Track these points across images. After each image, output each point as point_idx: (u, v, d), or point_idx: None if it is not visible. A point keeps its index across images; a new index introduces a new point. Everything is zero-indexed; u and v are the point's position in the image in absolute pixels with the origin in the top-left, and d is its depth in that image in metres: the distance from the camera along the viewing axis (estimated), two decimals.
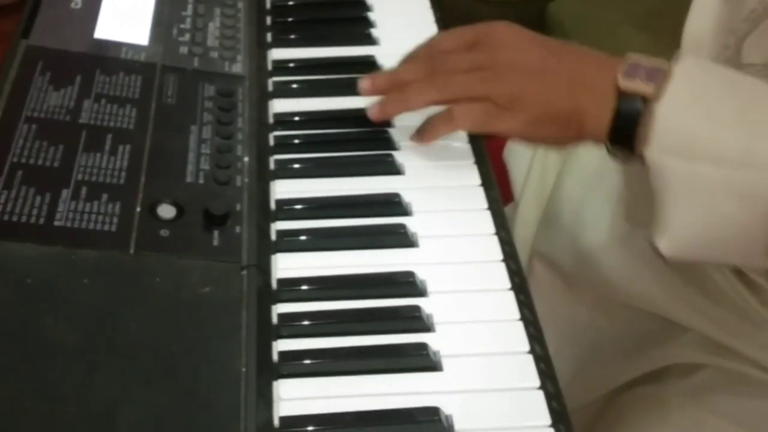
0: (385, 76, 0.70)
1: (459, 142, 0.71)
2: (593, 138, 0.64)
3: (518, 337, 0.56)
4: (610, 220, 0.77)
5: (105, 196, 0.61)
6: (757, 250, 0.61)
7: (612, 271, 0.74)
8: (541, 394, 0.53)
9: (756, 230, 0.60)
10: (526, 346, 0.56)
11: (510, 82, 0.65)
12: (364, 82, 0.69)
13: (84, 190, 0.61)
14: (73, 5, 0.76)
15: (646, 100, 0.61)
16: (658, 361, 0.74)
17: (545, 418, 0.52)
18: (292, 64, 0.78)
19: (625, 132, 0.62)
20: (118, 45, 0.73)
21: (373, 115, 0.69)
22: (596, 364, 0.77)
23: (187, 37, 0.76)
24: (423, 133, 0.69)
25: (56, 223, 0.58)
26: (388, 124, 0.73)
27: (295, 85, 0.76)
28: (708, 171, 0.59)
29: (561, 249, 0.78)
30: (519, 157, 0.87)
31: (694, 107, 0.60)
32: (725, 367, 0.71)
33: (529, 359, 0.55)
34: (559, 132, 0.65)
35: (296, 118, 0.73)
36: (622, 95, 0.62)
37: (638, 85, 0.62)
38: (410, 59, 0.69)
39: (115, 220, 0.59)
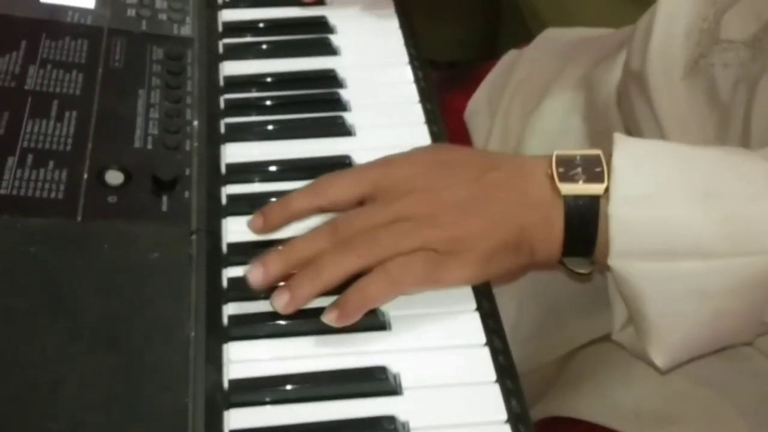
0: (278, 256, 0.55)
1: (409, 103, 0.71)
2: (546, 256, 0.55)
3: (466, 295, 0.57)
4: None
5: (51, 163, 0.60)
6: (754, 327, 0.55)
7: None
8: (487, 350, 0.54)
9: (756, 313, 0.53)
10: (473, 304, 0.56)
11: (443, 223, 0.54)
12: (252, 272, 0.55)
13: (30, 158, 0.60)
14: None
15: (594, 201, 0.52)
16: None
17: (491, 374, 0.53)
18: (243, 26, 0.78)
19: (580, 242, 0.53)
20: (64, 9, 0.72)
21: (280, 306, 0.54)
22: (558, 323, 0.77)
23: None
24: (346, 305, 0.53)
25: (2, 191, 0.58)
26: (339, 85, 0.73)
27: (246, 47, 0.76)
28: (689, 267, 0.50)
29: None
30: (480, 118, 0.87)
31: (652, 198, 0.51)
32: None
33: (476, 316, 0.56)
34: (513, 261, 0.55)
35: (248, 81, 0.73)
36: (567, 201, 0.53)
37: (580, 187, 0.53)
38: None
39: (62, 187, 0.59)
